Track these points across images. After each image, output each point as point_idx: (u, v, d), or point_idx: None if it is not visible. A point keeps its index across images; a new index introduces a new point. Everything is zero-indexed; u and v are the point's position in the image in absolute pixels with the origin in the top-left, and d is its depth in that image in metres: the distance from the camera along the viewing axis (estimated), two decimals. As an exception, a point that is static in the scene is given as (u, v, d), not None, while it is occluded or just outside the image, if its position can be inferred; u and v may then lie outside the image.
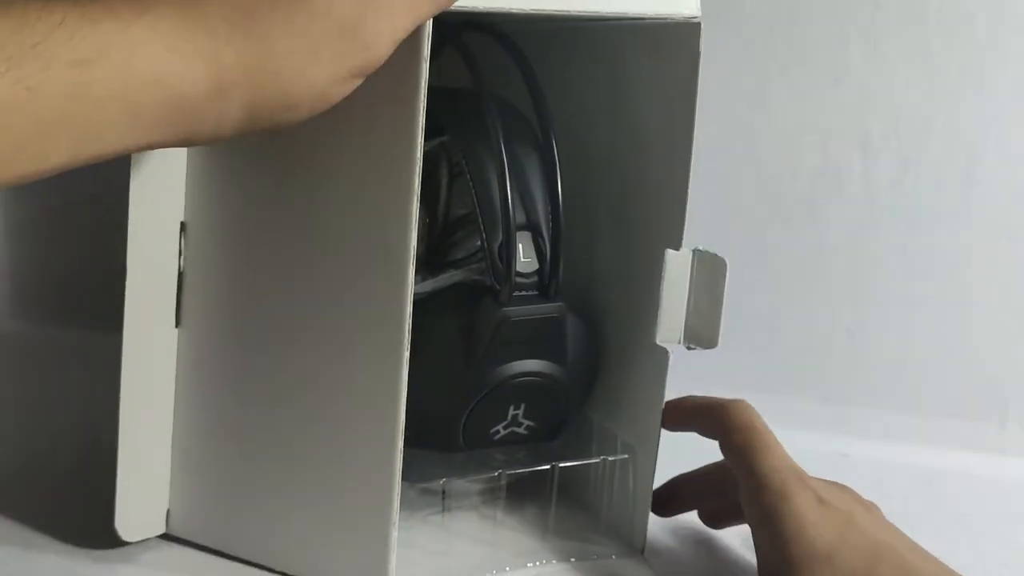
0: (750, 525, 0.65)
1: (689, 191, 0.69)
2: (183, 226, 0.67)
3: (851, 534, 0.61)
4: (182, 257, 0.67)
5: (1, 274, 1.02)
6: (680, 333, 0.70)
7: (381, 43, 0.55)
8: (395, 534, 0.63)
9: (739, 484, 0.66)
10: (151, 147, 0.51)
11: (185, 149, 0.66)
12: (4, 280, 1.03)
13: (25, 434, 0.85)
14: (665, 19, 0.67)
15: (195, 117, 0.50)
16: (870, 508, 0.66)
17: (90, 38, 0.46)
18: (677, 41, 0.67)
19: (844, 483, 0.68)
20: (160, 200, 0.65)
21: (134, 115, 0.48)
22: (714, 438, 0.69)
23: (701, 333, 0.69)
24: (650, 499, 0.71)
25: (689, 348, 0.70)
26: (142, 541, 0.68)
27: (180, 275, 0.67)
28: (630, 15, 0.67)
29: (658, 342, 0.70)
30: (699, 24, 0.66)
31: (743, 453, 0.66)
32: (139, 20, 0.48)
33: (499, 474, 0.71)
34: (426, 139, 0.68)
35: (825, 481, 0.66)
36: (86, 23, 0.47)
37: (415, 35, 0.58)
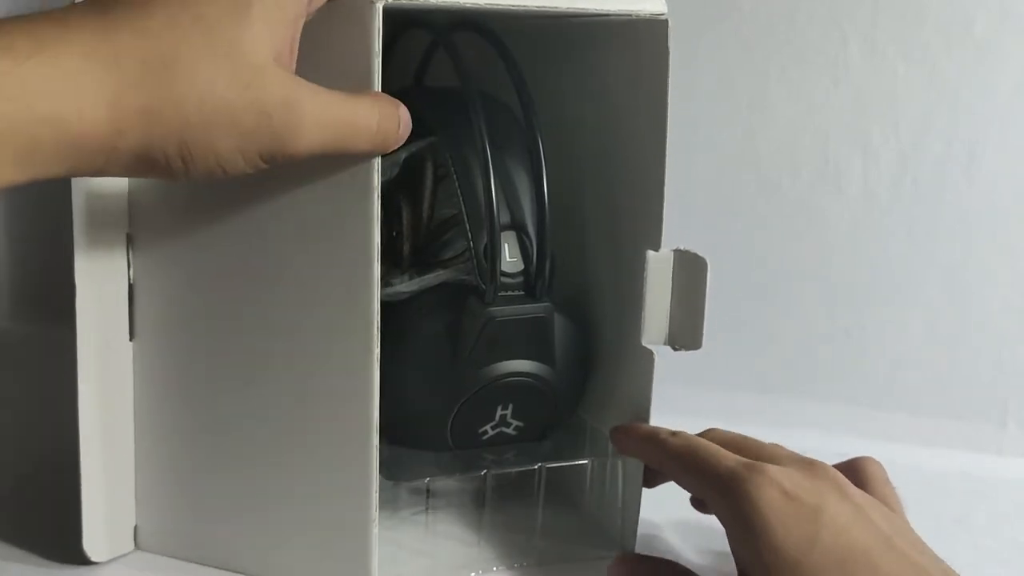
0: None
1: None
2: (129, 238, 0.66)
3: (821, 534, 0.57)
4: (131, 269, 0.67)
5: (1, 274, 1.03)
6: (665, 334, 0.69)
7: (298, 139, 0.54)
8: (375, 532, 0.63)
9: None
10: (38, 180, 0.49)
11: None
12: (4, 280, 1.04)
13: (23, 435, 0.86)
14: (630, 16, 0.67)
15: (88, 154, 0.49)
16: (844, 489, 0.61)
17: None
18: (645, 39, 0.67)
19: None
20: (103, 212, 0.65)
21: (28, 152, 0.47)
22: (659, 469, 0.68)
23: (684, 334, 0.69)
24: (639, 500, 0.71)
25: (675, 349, 0.70)
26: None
27: (131, 287, 0.67)
28: (593, 12, 0.67)
29: (643, 343, 0.69)
30: (666, 21, 0.66)
31: (690, 470, 0.64)
32: (35, 56, 0.47)
33: (485, 474, 0.71)
34: (414, 139, 0.68)
35: (793, 465, 0.62)
36: None
37: (366, 30, 0.58)
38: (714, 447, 0.64)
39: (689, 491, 0.67)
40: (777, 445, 0.67)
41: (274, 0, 0.53)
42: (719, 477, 0.61)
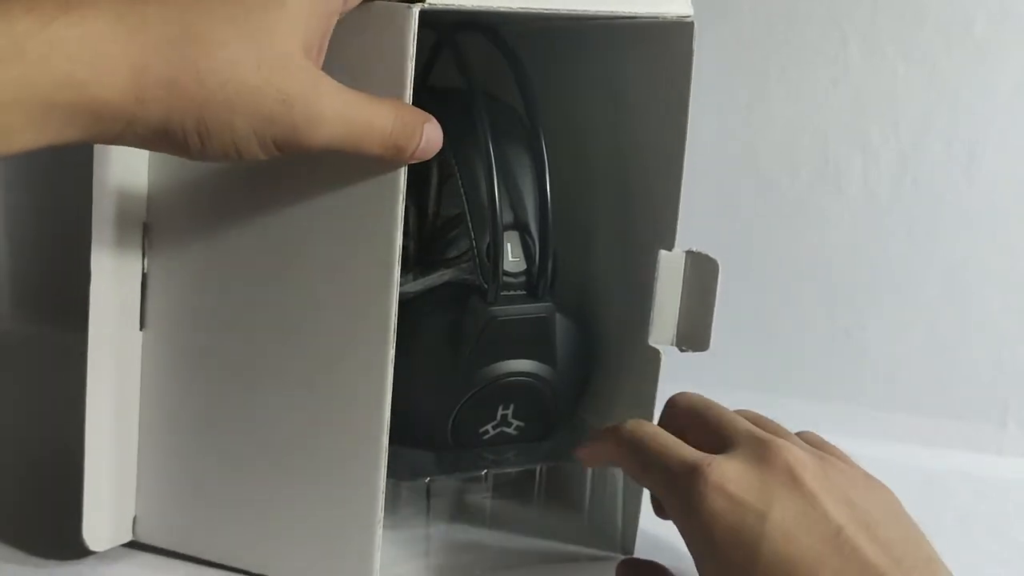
0: None
1: (687, 191, 0.68)
2: (146, 227, 0.66)
3: (764, 547, 0.54)
4: (146, 259, 0.67)
5: (1, 274, 1.03)
6: (673, 335, 0.69)
7: (314, 132, 0.54)
8: (380, 532, 0.63)
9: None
10: (54, 145, 0.49)
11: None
12: (4, 281, 1.04)
13: (21, 436, 0.86)
14: (657, 18, 0.67)
15: (107, 121, 0.50)
16: (796, 476, 0.56)
17: (4, 35, 0.46)
18: (670, 41, 0.67)
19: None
20: (122, 200, 0.65)
21: (45, 116, 0.48)
22: (617, 466, 0.66)
23: (692, 335, 0.69)
24: (640, 501, 0.71)
25: (682, 350, 0.69)
26: (108, 550, 0.68)
27: (144, 277, 0.67)
28: (621, 14, 0.67)
29: (651, 343, 0.69)
30: (692, 23, 0.66)
31: (638, 470, 0.61)
32: (61, 18, 0.47)
33: (485, 474, 0.71)
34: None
35: (747, 450, 0.58)
36: (1, 19, 0.46)
37: (401, 33, 0.58)
38: (660, 441, 0.60)
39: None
40: (739, 416, 0.62)
41: None
42: (664, 480, 0.59)
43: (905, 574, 0.52)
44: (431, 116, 0.59)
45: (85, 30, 0.48)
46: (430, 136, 0.59)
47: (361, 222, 0.61)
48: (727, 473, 0.56)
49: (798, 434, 0.63)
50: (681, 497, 0.57)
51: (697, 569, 0.57)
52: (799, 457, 0.57)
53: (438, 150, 0.60)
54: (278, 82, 0.52)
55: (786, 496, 0.55)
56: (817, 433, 0.65)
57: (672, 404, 0.65)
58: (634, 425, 0.62)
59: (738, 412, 0.64)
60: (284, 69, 0.52)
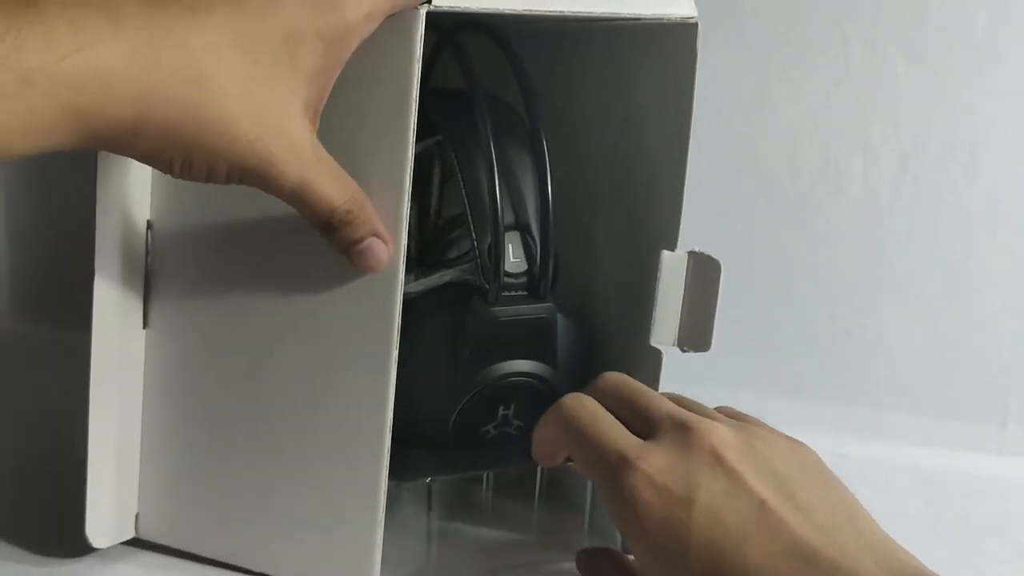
0: None
1: (688, 192, 0.68)
2: (149, 224, 0.66)
3: (693, 536, 0.53)
4: (149, 256, 0.67)
5: (1, 274, 1.03)
6: (674, 335, 0.69)
7: (278, 188, 0.56)
8: (380, 532, 0.63)
9: None
10: (47, 152, 0.50)
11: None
12: (4, 280, 1.04)
13: (23, 435, 0.86)
14: (661, 20, 0.67)
15: (103, 141, 0.51)
16: (719, 456, 0.56)
17: (14, 71, 0.46)
18: (673, 42, 0.67)
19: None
20: (127, 197, 0.65)
21: (46, 133, 0.48)
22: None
23: (694, 336, 0.69)
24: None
25: (683, 351, 0.69)
26: (110, 547, 0.68)
27: (147, 275, 0.67)
28: (624, 16, 0.67)
29: (652, 344, 0.69)
30: (696, 25, 0.66)
31: (575, 456, 0.61)
32: (73, 56, 0.48)
33: (486, 474, 0.71)
34: (421, 139, 0.68)
35: (671, 435, 0.57)
36: (12, 53, 0.46)
37: (408, 34, 0.58)
38: (597, 425, 0.60)
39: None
40: (662, 398, 0.62)
41: (325, 47, 0.55)
42: (597, 469, 0.58)
43: (829, 537, 0.52)
44: (389, 238, 0.60)
45: (97, 65, 0.49)
46: (375, 248, 0.60)
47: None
48: (654, 462, 0.56)
49: (717, 409, 0.63)
50: (613, 489, 0.56)
51: (636, 561, 0.57)
52: (722, 437, 0.57)
53: (375, 272, 0.60)
54: (268, 142, 0.54)
55: (710, 478, 0.55)
56: (753, 417, 0.63)
57: (597, 390, 0.63)
58: (574, 402, 0.61)
59: (663, 394, 0.63)
60: (276, 131, 0.54)
